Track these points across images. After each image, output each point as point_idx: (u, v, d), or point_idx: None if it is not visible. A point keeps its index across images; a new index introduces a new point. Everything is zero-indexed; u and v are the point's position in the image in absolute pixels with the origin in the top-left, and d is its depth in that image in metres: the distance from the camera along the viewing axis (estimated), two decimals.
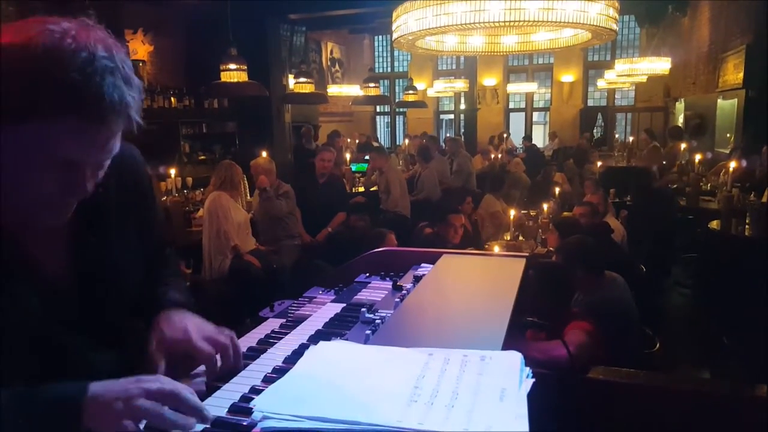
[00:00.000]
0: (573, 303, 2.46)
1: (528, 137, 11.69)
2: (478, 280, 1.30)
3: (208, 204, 3.88)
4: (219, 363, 0.86)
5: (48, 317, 0.80)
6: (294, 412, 0.66)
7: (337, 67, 12.01)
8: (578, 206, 4.05)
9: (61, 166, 0.72)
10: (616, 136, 12.82)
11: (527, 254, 1.74)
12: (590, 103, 13.29)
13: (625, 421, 1.93)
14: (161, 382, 0.68)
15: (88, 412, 0.64)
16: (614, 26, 2.78)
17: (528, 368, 0.76)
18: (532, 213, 4.84)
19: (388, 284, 1.28)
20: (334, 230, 4.60)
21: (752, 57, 6.10)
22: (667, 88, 10.76)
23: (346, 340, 0.95)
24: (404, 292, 1.20)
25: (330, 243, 4.49)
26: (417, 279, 1.25)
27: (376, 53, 14.13)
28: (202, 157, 7.38)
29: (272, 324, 1.12)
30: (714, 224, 4.42)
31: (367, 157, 7.45)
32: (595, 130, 12.79)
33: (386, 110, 14.37)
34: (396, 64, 14.23)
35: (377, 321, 1.03)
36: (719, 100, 7.45)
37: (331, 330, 1.03)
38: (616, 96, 13.04)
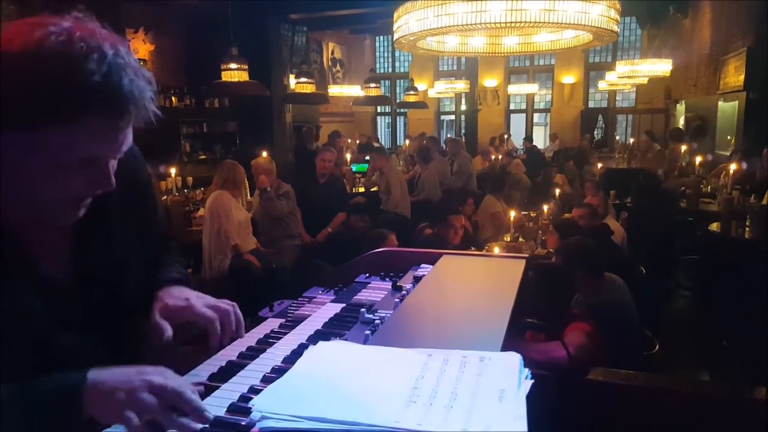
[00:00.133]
0: (573, 304, 2.46)
1: (529, 138, 11.69)
2: (478, 281, 1.30)
3: (209, 203, 3.88)
4: (220, 330, 0.86)
5: (50, 317, 0.80)
6: (293, 412, 0.66)
7: (338, 67, 12.02)
8: (578, 208, 4.05)
9: (85, 163, 0.73)
10: (617, 137, 12.82)
11: (527, 255, 1.74)
12: (591, 104, 13.30)
13: (624, 422, 1.93)
14: (165, 376, 0.68)
15: (88, 400, 0.64)
16: (615, 28, 2.78)
17: (527, 369, 0.76)
18: (533, 214, 4.84)
19: (388, 284, 1.28)
20: (334, 230, 4.60)
21: (753, 59, 6.10)
22: (668, 90, 10.76)
23: (346, 340, 0.95)
24: (404, 292, 1.20)
25: (330, 243, 4.49)
26: (417, 279, 1.25)
27: (377, 54, 14.14)
28: (203, 157, 7.38)
29: (271, 324, 1.12)
30: (714, 226, 4.42)
31: (367, 158, 7.45)
32: (595, 132, 12.79)
33: (387, 111, 14.38)
34: (397, 64, 14.23)
35: (377, 321, 1.03)
36: (720, 102, 7.45)
37: (331, 330, 1.03)
38: (616, 97, 13.05)
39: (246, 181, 4.62)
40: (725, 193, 5.03)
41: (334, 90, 10.08)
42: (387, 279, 1.34)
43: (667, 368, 3.22)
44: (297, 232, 4.42)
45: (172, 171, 5.46)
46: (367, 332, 0.97)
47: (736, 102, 6.71)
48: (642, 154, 8.73)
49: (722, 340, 3.65)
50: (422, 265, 1.36)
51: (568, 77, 12.84)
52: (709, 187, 5.78)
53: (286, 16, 7.37)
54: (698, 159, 6.65)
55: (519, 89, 13.12)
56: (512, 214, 4.33)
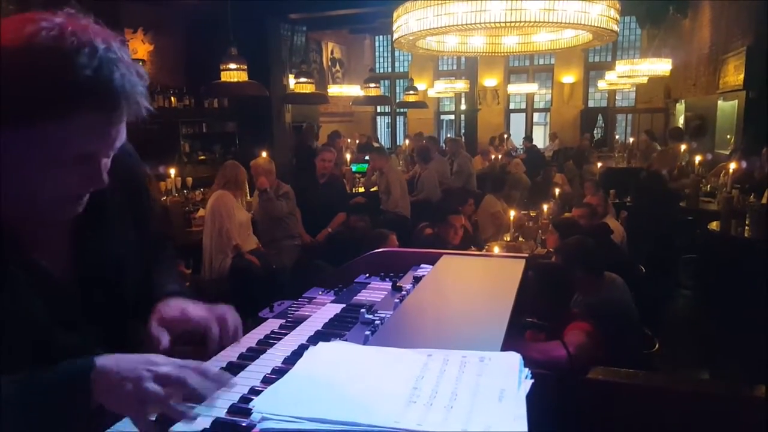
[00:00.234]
0: (572, 304, 2.46)
1: (528, 138, 11.69)
2: (478, 280, 1.30)
3: (211, 202, 3.88)
4: (218, 335, 0.87)
5: (50, 315, 0.80)
6: (293, 413, 0.66)
7: (337, 67, 12.01)
8: (578, 207, 4.06)
9: (78, 160, 0.74)
10: (617, 137, 12.82)
11: (527, 255, 1.74)
12: (591, 104, 13.30)
13: (624, 421, 1.93)
14: (170, 365, 0.68)
15: (97, 387, 0.65)
16: (615, 27, 2.78)
17: (527, 369, 0.76)
18: (532, 214, 4.84)
19: (388, 285, 1.28)
20: (334, 231, 4.60)
21: (753, 58, 6.10)
22: (668, 90, 10.76)
23: (346, 340, 0.95)
24: (404, 292, 1.20)
25: (330, 243, 4.49)
26: (417, 280, 1.25)
27: (377, 53, 14.13)
28: (202, 157, 7.38)
29: (272, 324, 1.12)
30: (714, 225, 4.42)
31: (367, 158, 7.45)
32: (595, 131, 12.79)
33: (387, 111, 14.37)
34: (397, 64, 14.23)
35: (377, 322, 1.03)
36: (720, 102, 7.45)
37: (331, 331, 1.03)
38: (616, 97, 13.05)
39: (246, 182, 4.62)
40: (725, 192, 5.03)
41: (333, 90, 10.07)
42: (387, 279, 1.34)
43: (666, 367, 3.22)
44: (297, 232, 4.42)
45: (172, 171, 5.45)
46: (367, 333, 0.97)
47: (736, 101, 6.71)
48: (641, 154, 8.74)
49: (722, 339, 3.65)
50: (422, 266, 1.36)
51: (568, 77, 12.84)
52: (709, 186, 5.78)
53: (285, 16, 7.37)
54: (698, 158, 6.65)
55: (519, 89, 13.12)
56: (512, 213, 4.33)
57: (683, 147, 7.25)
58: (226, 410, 0.72)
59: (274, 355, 0.94)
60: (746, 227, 4.16)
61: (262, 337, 1.04)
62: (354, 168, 7.56)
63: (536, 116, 14.04)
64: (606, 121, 13.12)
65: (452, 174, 6.82)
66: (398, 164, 7.71)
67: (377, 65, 13.81)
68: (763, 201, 4.24)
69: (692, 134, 8.02)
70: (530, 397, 0.70)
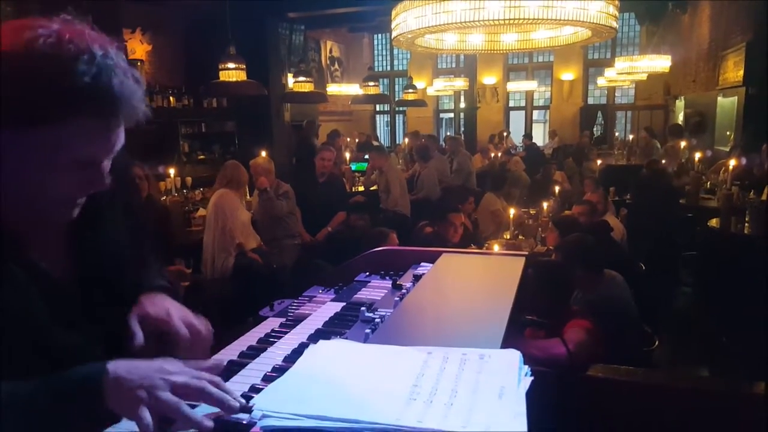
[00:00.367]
0: (572, 301, 2.47)
1: (528, 136, 11.68)
2: (478, 278, 1.31)
3: (214, 201, 3.88)
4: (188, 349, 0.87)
5: (49, 315, 0.80)
6: (294, 410, 0.66)
7: (336, 65, 12.00)
8: (577, 205, 4.06)
9: (79, 164, 0.75)
10: (616, 134, 12.81)
11: (527, 253, 1.74)
12: (590, 101, 13.28)
13: (624, 418, 1.94)
14: (186, 374, 0.68)
15: (109, 392, 0.65)
16: (614, 24, 2.78)
17: (527, 366, 0.76)
18: (532, 212, 4.84)
19: (388, 283, 1.28)
20: (333, 229, 4.60)
21: (752, 55, 6.09)
22: (667, 86, 10.75)
23: (346, 338, 0.96)
24: (404, 291, 1.20)
25: (330, 242, 4.50)
26: (417, 278, 1.26)
27: (376, 52, 14.12)
28: (202, 157, 7.38)
29: (272, 323, 1.12)
30: (713, 222, 4.43)
31: (366, 157, 7.44)
32: (595, 129, 12.77)
33: (386, 109, 14.36)
34: (395, 62, 14.21)
35: (377, 320, 1.03)
36: (719, 98, 7.44)
37: (331, 329, 1.04)
38: (616, 94, 13.03)
39: (246, 182, 4.63)
40: (725, 189, 5.03)
41: (332, 89, 10.06)
42: (387, 278, 1.35)
43: (666, 364, 3.23)
44: (297, 231, 4.42)
45: (171, 171, 5.45)
46: (368, 331, 0.97)
47: (736, 97, 6.71)
48: (641, 151, 8.73)
49: (721, 336, 3.66)
50: (422, 264, 1.37)
51: (567, 74, 12.83)
52: (709, 183, 5.78)
53: (284, 15, 7.36)
54: (698, 155, 6.65)
55: (518, 86, 13.09)
56: (512, 211, 4.34)
57: (683, 144, 7.25)
58: None
59: (275, 354, 0.94)
60: (746, 224, 4.16)
61: (262, 335, 1.04)
62: (353, 167, 7.56)
63: (536, 114, 14.03)
64: (605, 118, 13.11)
65: (452, 172, 6.82)
66: (398, 163, 7.71)
67: (376, 64, 13.78)
68: (763, 198, 4.24)
69: (692, 131, 8.02)
70: (530, 395, 0.70)
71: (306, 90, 6.33)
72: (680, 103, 9.43)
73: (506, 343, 0.84)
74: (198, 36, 6.74)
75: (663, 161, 6.36)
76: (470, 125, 10.94)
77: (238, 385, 0.81)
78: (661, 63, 7.84)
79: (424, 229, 3.98)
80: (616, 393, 1.96)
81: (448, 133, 12.61)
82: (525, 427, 0.63)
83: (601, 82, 11.19)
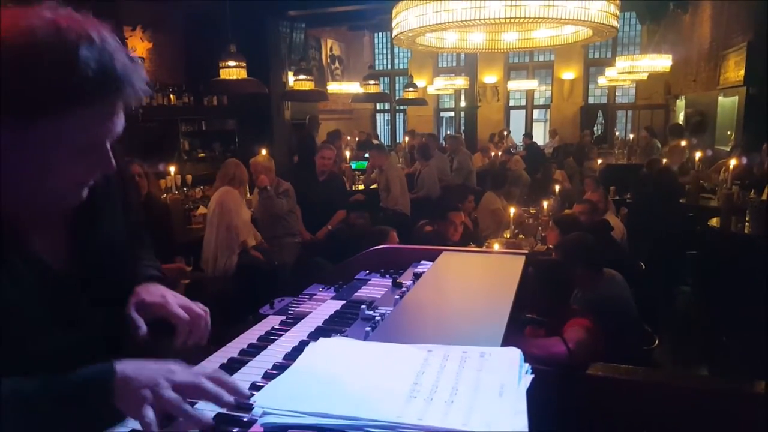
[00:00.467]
0: (572, 300, 2.47)
1: (528, 135, 11.68)
2: (478, 277, 1.31)
3: (218, 198, 3.87)
4: (188, 332, 0.88)
5: (49, 307, 0.80)
6: (294, 407, 0.66)
7: (336, 64, 11.99)
8: (578, 204, 4.06)
9: (86, 149, 0.75)
10: (617, 133, 12.80)
11: (527, 251, 1.74)
12: (591, 100, 13.27)
13: (623, 417, 1.94)
14: (188, 374, 0.69)
15: (117, 392, 0.66)
16: (615, 23, 2.78)
17: (527, 364, 0.76)
18: (532, 210, 4.84)
19: (388, 281, 1.29)
20: (334, 228, 4.60)
21: (753, 54, 6.09)
22: (668, 86, 10.74)
23: (346, 336, 0.95)
24: (404, 289, 1.20)
25: (330, 241, 4.50)
26: (417, 276, 1.26)
27: (376, 50, 14.10)
28: (202, 155, 7.37)
29: (272, 321, 1.12)
30: (714, 222, 4.42)
31: (367, 155, 7.44)
32: (595, 128, 12.76)
33: (386, 108, 14.35)
34: (396, 61, 14.20)
35: (377, 318, 1.03)
36: (720, 98, 7.43)
37: (331, 327, 1.04)
38: (616, 93, 13.02)
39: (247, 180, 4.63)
40: (725, 188, 5.03)
41: (333, 87, 10.05)
42: (387, 276, 1.35)
43: (666, 363, 3.23)
44: (297, 229, 4.42)
45: (171, 169, 5.45)
46: (368, 329, 0.97)
47: (736, 97, 6.70)
48: (642, 150, 8.73)
49: (721, 335, 3.66)
50: (422, 262, 1.37)
51: (568, 73, 12.82)
52: (708, 183, 5.78)
53: (284, 13, 7.36)
54: (698, 154, 6.65)
55: (518, 85, 13.08)
56: (512, 210, 4.34)
57: (683, 143, 7.25)
58: None
59: (275, 351, 0.94)
60: (746, 224, 4.16)
61: (263, 333, 1.04)
62: (354, 165, 7.56)
63: (536, 113, 14.02)
64: (606, 117, 13.10)
65: (452, 171, 6.82)
66: (398, 161, 7.71)
67: (376, 62, 13.77)
68: (764, 197, 4.24)
69: (692, 130, 8.01)
70: (530, 393, 0.70)
71: (306, 88, 6.33)
72: (681, 103, 9.42)
73: (506, 342, 0.84)
74: (198, 34, 6.73)
75: (664, 160, 6.36)
76: (471, 124, 10.93)
77: (239, 382, 0.81)
78: (661, 62, 7.83)
79: (424, 227, 3.98)
80: (616, 392, 1.96)
81: (449, 132, 12.61)
82: (525, 425, 0.63)
83: (602, 81, 11.18)
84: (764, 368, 2.44)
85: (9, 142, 0.70)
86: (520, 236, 4.18)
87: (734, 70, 6.73)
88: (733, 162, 5.22)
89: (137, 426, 0.69)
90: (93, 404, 0.67)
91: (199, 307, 0.91)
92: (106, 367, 0.68)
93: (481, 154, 8.58)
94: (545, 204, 4.63)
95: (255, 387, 0.78)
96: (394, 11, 2.98)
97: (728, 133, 7.11)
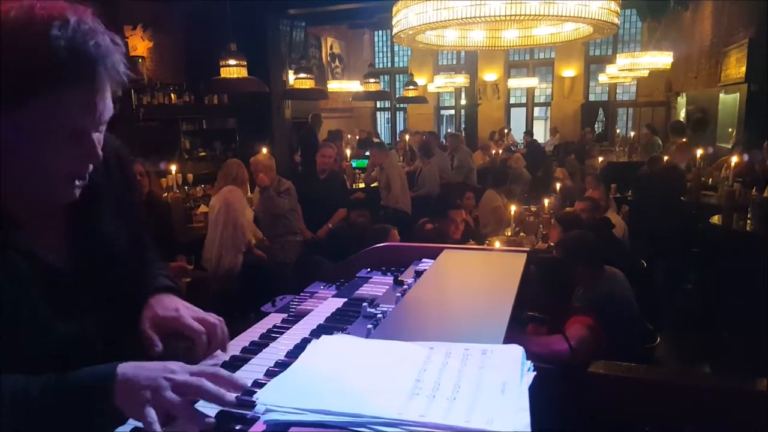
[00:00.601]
0: (574, 298, 2.47)
1: (529, 132, 11.67)
2: (480, 274, 1.31)
3: (224, 197, 3.87)
4: (207, 343, 0.88)
5: (47, 304, 0.80)
6: (296, 404, 0.66)
7: (337, 62, 11.98)
8: (579, 201, 4.06)
9: (69, 137, 0.74)
10: (618, 131, 12.78)
11: (528, 249, 1.74)
12: (591, 98, 13.26)
13: (625, 414, 1.94)
14: (187, 374, 0.69)
15: (118, 394, 0.67)
16: (616, 20, 2.77)
17: (529, 362, 0.76)
18: (533, 208, 4.84)
19: (390, 279, 1.29)
20: (335, 226, 4.61)
21: (755, 51, 6.07)
22: (669, 83, 10.73)
23: (348, 334, 0.95)
24: (405, 286, 1.20)
25: (331, 239, 4.50)
26: (418, 274, 1.26)
27: (377, 48, 14.09)
28: (203, 154, 7.37)
29: (274, 319, 1.12)
30: (715, 219, 4.42)
31: (367, 153, 7.44)
32: (596, 125, 12.75)
33: (386, 106, 14.34)
34: (396, 59, 14.18)
35: (379, 315, 1.03)
36: (721, 95, 7.42)
37: (333, 324, 1.04)
38: (617, 91, 13.00)
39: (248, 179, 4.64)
40: (726, 185, 5.02)
41: (333, 85, 10.05)
42: (388, 274, 1.34)
43: (668, 361, 3.23)
44: (298, 228, 4.43)
45: (172, 168, 5.45)
46: (369, 326, 0.97)
47: (738, 94, 6.69)
48: (642, 148, 8.72)
49: (723, 333, 3.66)
50: (423, 260, 1.37)
51: (569, 70, 12.80)
52: (710, 180, 5.77)
53: (284, 12, 7.36)
54: (699, 152, 6.64)
55: (519, 83, 13.08)
56: (513, 208, 4.33)
57: (684, 140, 7.24)
58: None
59: (277, 349, 0.94)
60: (748, 221, 4.15)
61: (264, 331, 1.04)
62: (354, 164, 7.56)
63: (537, 110, 14.00)
64: (607, 115, 13.09)
65: (453, 169, 6.81)
66: (398, 160, 7.71)
67: (377, 60, 13.76)
68: (765, 194, 4.23)
69: (693, 128, 8.00)
70: (532, 390, 0.70)
71: (307, 87, 6.33)
72: (682, 100, 9.41)
73: (508, 339, 0.84)
74: (199, 33, 6.73)
75: (666, 158, 6.34)
76: (471, 122, 10.92)
77: (241, 379, 0.81)
78: (662, 59, 7.82)
79: (424, 226, 3.98)
80: (618, 389, 1.96)
81: (449, 130, 12.59)
82: (527, 423, 0.63)
83: (603, 78, 11.16)
84: (766, 366, 2.44)
85: None
86: (521, 234, 4.18)
87: (735, 67, 6.71)
88: (734, 159, 5.21)
89: (139, 425, 0.69)
90: (93, 405, 0.67)
91: (213, 317, 0.91)
92: (107, 369, 0.68)
93: (482, 152, 8.58)
94: (546, 202, 4.63)
95: (257, 384, 0.78)
96: (395, 9, 2.98)
97: (729, 130, 7.10)
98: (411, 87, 9.10)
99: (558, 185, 5.61)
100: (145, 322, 0.89)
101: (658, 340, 2.56)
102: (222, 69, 4.72)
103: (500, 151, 8.77)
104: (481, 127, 11.01)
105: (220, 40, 4.91)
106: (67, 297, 0.83)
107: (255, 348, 0.95)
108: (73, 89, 0.71)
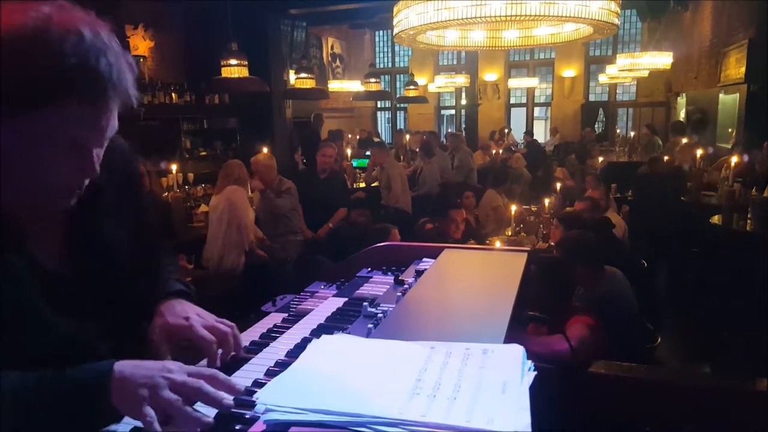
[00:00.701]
0: (574, 298, 2.47)
1: (529, 132, 11.66)
2: (480, 274, 1.31)
3: (228, 196, 3.87)
4: (219, 351, 0.87)
5: (45, 304, 0.80)
6: (297, 404, 0.66)
7: (337, 62, 11.98)
8: (579, 201, 4.06)
9: (69, 150, 0.74)
10: (618, 131, 12.78)
11: (528, 249, 1.74)
12: (591, 98, 13.25)
13: (625, 414, 1.94)
14: (185, 372, 0.69)
15: (114, 391, 0.66)
16: (616, 20, 2.77)
17: (530, 361, 0.76)
18: (533, 208, 4.84)
19: (390, 279, 1.29)
20: (335, 226, 4.61)
21: (754, 51, 6.07)
22: (669, 83, 10.72)
23: (349, 333, 0.96)
24: (406, 286, 1.20)
25: (331, 239, 4.50)
26: (419, 273, 1.26)
27: (377, 48, 14.08)
28: (203, 153, 7.37)
29: (274, 318, 1.12)
30: (715, 219, 4.42)
31: (368, 153, 7.44)
32: (596, 126, 12.75)
33: (387, 106, 14.34)
34: (397, 59, 14.18)
35: (379, 315, 1.03)
36: (721, 95, 7.42)
37: (334, 324, 1.04)
38: (617, 91, 13.00)
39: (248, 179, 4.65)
40: (726, 185, 5.02)
41: (334, 85, 10.04)
42: (389, 273, 1.34)
43: (668, 361, 3.23)
44: (299, 227, 4.43)
45: (173, 167, 5.45)
46: (370, 326, 0.97)
47: (737, 94, 6.69)
48: (642, 148, 8.71)
49: (723, 333, 3.65)
50: (424, 259, 1.37)
51: (569, 71, 12.80)
52: (710, 179, 5.76)
53: (285, 12, 7.35)
54: (699, 152, 6.64)
55: (519, 83, 13.07)
56: (513, 208, 4.34)
57: (685, 141, 7.24)
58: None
59: (277, 349, 0.94)
60: (748, 221, 4.15)
61: (264, 330, 1.04)
62: (355, 163, 7.56)
63: (537, 110, 14.00)
64: (607, 115, 13.08)
65: (453, 169, 6.81)
66: (399, 159, 7.71)
67: (377, 60, 13.76)
68: (765, 194, 4.23)
69: (694, 128, 8.00)
70: (533, 390, 0.70)
71: (307, 86, 6.33)
72: (682, 100, 9.40)
73: (509, 339, 0.84)
74: (200, 32, 6.72)
75: (666, 158, 6.34)
76: (471, 122, 10.92)
77: (241, 379, 0.81)
78: (662, 60, 7.82)
79: (425, 225, 3.98)
80: (619, 389, 1.97)
81: (450, 130, 12.60)
82: (528, 422, 0.63)
83: (603, 79, 11.16)
84: (766, 366, 2.44)
85: None
86: (522, 234, 4.18)
87: (735, 68, 6.71)
88: (734, 159, 5.21)
89: (138, 424, 0.69)
90: (90, 402, 0.67)
91: (224, 325, 0.90)
92: (104, 366, 0.68)
93: (482, 152, 8.58)
94: (546, 202, 4.63)
95: (257, 384, 0.78)
96: (395, 9, 2.98)
97: (729, 130, 7.10)
98: (411, 87, 9.10)
99: (558, 185, 5.61)
100: (155, 330, 0.88)
101: (659, 340, 2.56)
102: (223, 69, 4.72)
103: (500, 151, 8.76)
104: (481, 127, 11.01)
105: (221, 39, 4.91)
106: (66, 300, 0.83)
107: (255, 347, 0.95)
108: (77, 105, 0.71)
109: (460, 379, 0.71)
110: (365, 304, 1.08)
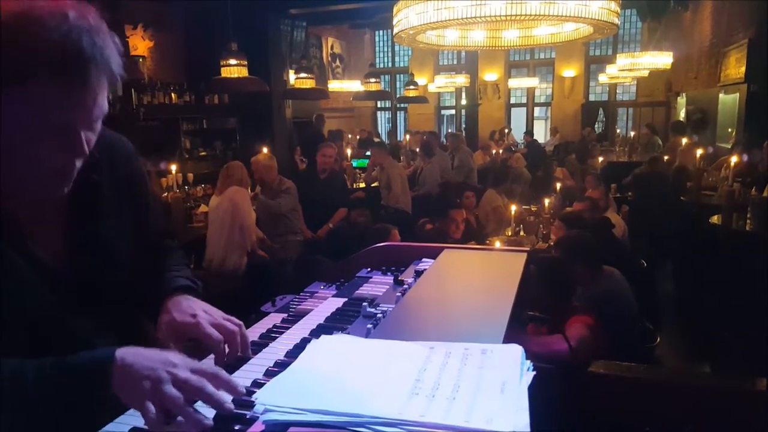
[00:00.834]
0: (574, 297, 2.47)
1: (529, 132, 11.66)
2: (480, 274, 1.31)
3: (231, 197, 3.87)
4: (226, 350, 0.87)
5: (45, 301, 0.80)
6: (296, 404, 0.66)
7: (337, 62, 11.98)
8: (579, 201, 4.06)
9: (55, 130, 0.73)
10: (618, 131, 12.79)
11: (528, 249, 1.74)
12: (592, 98, 13.26)
13: (625, 414, 1.94)
14: (189, 368, 0.68)
15: (116, 379, 0.66)
16: (616, 20, 2.77)
17: (529, 361, 0.76)
18: (533, 208, 4.84)
19: (390, 279, 1.29)
20: (335, 226, 4.61)
21: (754, 51, 6.07)
22: (669, 83, 10.73)
23: (348, 334, 0.96)
24: (405, 286, 1.20)
25: (331, 239, 4.50)
26: (418, 274, 1.26)
27: (377, 48, 14.09)
28: (203, 153, 7.36)
29: (274, 318, 1.12)
30: (715, 219, 4.42)
31: (368, 153, 7.44)
32: (596, 125, 12.75)
33: (387, 106, 14.34)
34: (397, 59, 14.18)
35: (379, 315, 1.03)
36: (721, 95, 7.42)
37: (333, 324, 1.04)
38: (617, 91, 13.01)
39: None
40: (726, 185, 5.02)
41: (334, 85, 10.04)
42: (389, 273, 1.34)
43: (667, 361, 3.23)
44: (299, 227, 4.43)
45: (173, 167, 5.45)
46: (369, 326, 0.97)
47: (737, 94, 6.69)
48: (642, 148, 8.71)
49: (723, 332, 3.65)
50: (424, 259, 1.37)
51: (569, 71, 12.80)
52: (710, 179, 5.77)
53: (285, 12, 7.35)
54: (699, 152, 6.64)
55: (519, 83, 13.08)
56: (513, 208, 4.34)
57: (685, 140, 7.24)
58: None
59: (277, 349, 0.94)
60: (747, 220, 4.15)
61: (264, 330, 1.05)
62: (355, 163, 7.56)
63: (537, 110, 14.00)
64: (607, 115, 13.09)
65: (453, 169, 6.81)
66: (399, 159, 7.71)
67: (377, 60, 13.76)
68: (765, 194, 4.23)
69: (693, 128, 8.00)
70: (532, 390, 0.70)
71: (307, 86, 6.32)
72: (682, 100, 9.41)
73: (508, 339, 0.84)
74: (200, 32, 6.72)
75: (666, 158, 6.34)
76: (471, 122, 10.92)
77: (240, 380, 0.81)
78: (662, 60, 7.82)
79: (425, 225, 3.98)
80: (618, 389, 1.97)
81: (450, 130, 12.60)
82: (527, 422, 0.63)
83: (603, 78, 11.17)
84: (766, 366, 2.44)
85: None
86: (522, 234, 4.18)
87: (735, 67, 6.71)
88: (734, 159, 5.21)
89: (138, 424, 0.69)
90: (90, 389, 0.66)
91: (232, 323, 0.89)
92: (106, 352, 0.67)
93: (482, 152, 8.58)
94: (546, 202, 4.63)
95: (257, 384, 0.78)
96: (395, 9, 2.98)
97: (729, 130, 7.10)
98: (411, 87, 9.10)
99: (558, 185, 5.61)
100: (162, 327, 0.88)
101: (658, 339, 2.56)
102: (223, 68, 4.72)
103: (500, 151, 8.76)
104: (481, 126, 11.01)
105: (220, 39, 4.91)
106: (67, 297, 0.83)
107: (254, 348, 0.95)
108: (60, 82, 0.70)
109: (459, 379, 0.71)
110: (365, 304, 1.08)
